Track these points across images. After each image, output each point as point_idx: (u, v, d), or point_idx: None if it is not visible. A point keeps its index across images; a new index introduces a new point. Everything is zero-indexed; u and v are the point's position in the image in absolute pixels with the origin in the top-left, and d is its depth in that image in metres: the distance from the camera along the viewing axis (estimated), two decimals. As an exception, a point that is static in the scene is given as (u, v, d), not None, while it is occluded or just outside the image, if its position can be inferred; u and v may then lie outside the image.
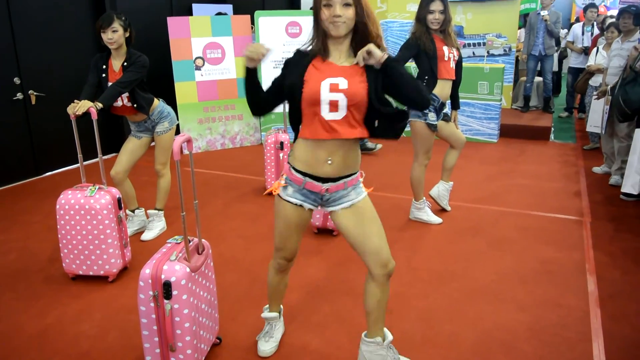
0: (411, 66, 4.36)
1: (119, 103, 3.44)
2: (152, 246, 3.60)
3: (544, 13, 7.34)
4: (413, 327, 2.64)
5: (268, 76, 6.46)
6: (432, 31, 3.59)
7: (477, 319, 2.72)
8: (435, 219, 3.99)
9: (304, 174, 2.07)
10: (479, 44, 7.66)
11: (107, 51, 3.44)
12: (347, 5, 1.91)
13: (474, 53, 7.71)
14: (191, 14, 7.13)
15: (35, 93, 5.14)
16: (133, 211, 3.82)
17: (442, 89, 3.67)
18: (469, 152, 5.82)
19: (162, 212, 3.86)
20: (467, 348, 2.48)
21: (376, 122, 2.04)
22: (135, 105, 3.45)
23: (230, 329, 2.63)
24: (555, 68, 9.06)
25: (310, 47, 2.07)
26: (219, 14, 6.99)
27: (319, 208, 2.17)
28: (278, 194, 2.16)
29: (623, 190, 4.33)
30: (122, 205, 3.14)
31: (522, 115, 7.65)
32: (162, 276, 2.07)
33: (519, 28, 8.24)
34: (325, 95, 1.94)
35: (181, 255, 2.17)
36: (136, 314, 2.70)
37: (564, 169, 5.50)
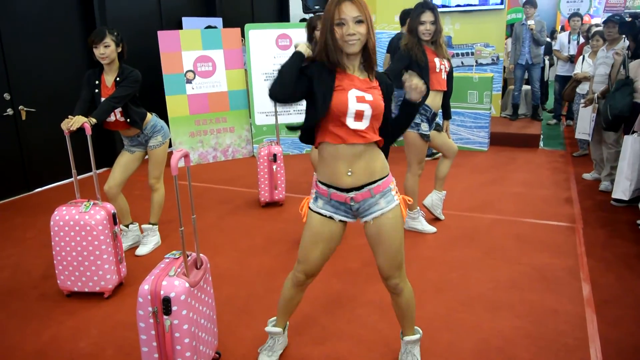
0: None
1: (112, 118, 3.44)
2: (147, 261, 3.58)
3: (529, 23, 7.47)
4: (412, 337, 2.64)
5: (259, 88, 6.53)
6: (424, 42, 3.63)
7: (475, 327, 2.73)
8: (430, 229, 4.01)
9: (328, 186, 2.12)
10: (467, 54, 7.75)
11: (99, 66, 3.44)
12: (359, 22, 1.96)
13: (462, 63, 7.80)
14: (181, 27, 7.16)
15: (25, 109, 5.11)
16: (127, 226, 3.80)
17: (433, 100, 3.71)
18: (461, 161, 5.87)
19: (157, 226, 3.84)
20: (466, 356, 2.49)
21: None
22: (128, 120, 3.45)
23: (229, 344, 2.61)
24: (546, 77, 9.18)
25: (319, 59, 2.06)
26: (209, 27, 7.02)
27: (355, 220, 2.21)
28: (309, 206, 2.20)
29: (614, 196, 4.39)
30: (117, 220, 3.13)
31: (511, 123, 7.73)
32: (162, 292, 2.06)
33: (507, 38, 8.36)
34: (353, 106, 2.00)
35: (180, 270, 2.16)
36: (133, 331, 2.69)
37: (554, 176, 5.56)
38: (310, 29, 4.49)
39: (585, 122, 5.48)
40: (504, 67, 8.14)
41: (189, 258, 2.25)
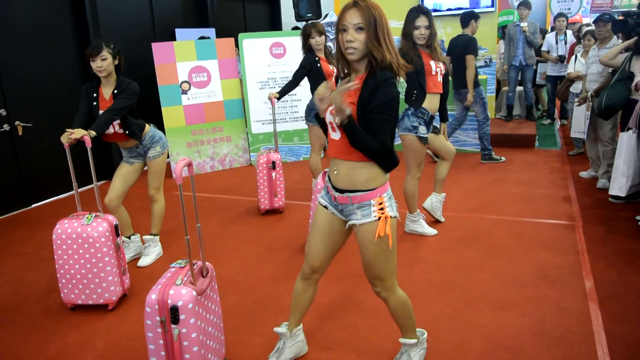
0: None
1: (110, 130, 3.44)
2: (150, 272, 3.58)
3: (523, 24, 7.53)
4: (418, 339, 2.65)
5: (254, 97, 6.54)
6: (419, 46, 3.66)
7: (481, 326, 2.74)
8: (431, 231, 4.02)
9: (329, 178, 2.18)
10: (460, 57, 7.79)
11: (97, 79, 3.45)
12: (360, 29, 1.92)
13: (455, 66, 7.84)
14: (174, 39, 7.17)
15: (22, 124, 5.10)
16: (129, 237, 3.79)
17: (430, 103, 3.73)
18: (458, 163, 5.90)
19: (158, 237, 3.84)
20: (474, 356, 2.50)
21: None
22: (127, 132, 3.46)
23: (236, 351, 2.61)
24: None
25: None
26: (202, 37, 7.04)
27: (345, 219, 2.19)
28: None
29: (611, 193, 4.41)
30: (119, 232, 3.13)
31: (506, 124, 7.79)
32: (169, 301, 2.06)
33: (498, 40, 8.43)
34: (328, 116, 2.04)
35: (186, 279, 2.16)
36: (139, 342, 2.68)
37: (551, 175, 5.59)
38: (305, 37, 4.53)
39: (580, 120, 5.51)
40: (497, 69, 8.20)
41: (195, 266, 2.25)
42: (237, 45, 6.63)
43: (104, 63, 3.33)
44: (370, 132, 1.93)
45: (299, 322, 2.46)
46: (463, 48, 5.84)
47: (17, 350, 2.74)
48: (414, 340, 2.34)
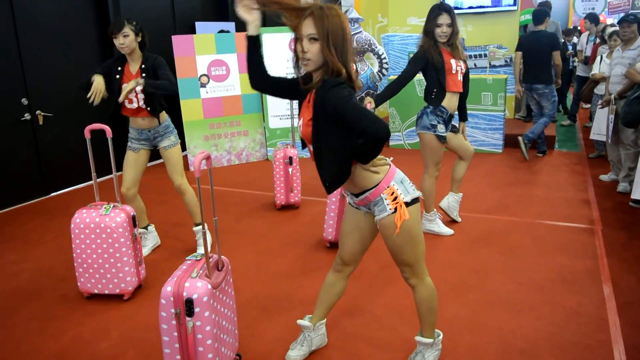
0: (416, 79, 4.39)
1: (134, 104, 3.43)
2: (164, 264, 3.60)
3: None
4: (432, 339, 2.62)
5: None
6: (440, 44, 3.62)
7: (497, 329, 2.71)
8: (447, 231, 3.99)
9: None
10: (481, 56, 7.73)
11: (123, 56, 3.47)
12: (313, 39, 1.88)
13: (475, 65, 7.78)
14: (194, 32, 7.19)
15: (42, 113, 5.17)
16: (145, 228, 3.80)
17: (450, 101, 3.69)
18: (475, 163, 5.83)
19: (200, 226, 3.81)
20: (489, 359, 2.47)
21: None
22: (149, 108, 3.45)
23: (249, 345, 2.61)
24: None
25: None
26: (222, 31, 7.06)
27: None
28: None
29: (633, 196, 4.34)
30: (137, 223, 3.15)
31: (526, 125, 7.67)
32: (184, 293, 2.06)
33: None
34: (305, 131, 2.10)
35: (202, 272, 2.17)
36: (153, 332, 2.70)
37: (571, 177, 5.51)
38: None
39: (601, 123, 5.42)
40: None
41: (211, 260, 2.25)
42: (256, 40, 6.62)
43: (126, 40, 3.34)
44: (356, 133, 1.88)
45: (324, 316, 2.49)
46: (548, 44, 5.93)
47: (33, 336, 2.78)
48: (430, 340, 2.32)
